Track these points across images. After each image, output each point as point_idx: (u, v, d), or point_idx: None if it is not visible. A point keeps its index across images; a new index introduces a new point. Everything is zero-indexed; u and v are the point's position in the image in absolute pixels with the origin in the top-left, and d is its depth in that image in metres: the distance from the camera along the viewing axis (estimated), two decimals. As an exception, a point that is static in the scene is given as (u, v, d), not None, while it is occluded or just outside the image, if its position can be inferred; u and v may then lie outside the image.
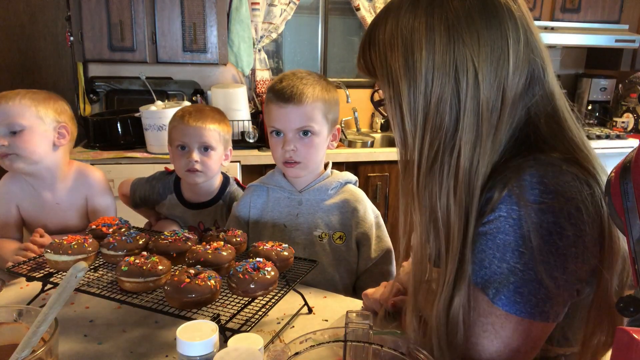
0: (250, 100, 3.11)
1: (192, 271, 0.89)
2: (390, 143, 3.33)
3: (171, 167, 1.53)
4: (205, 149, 1.42)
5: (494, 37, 0.70)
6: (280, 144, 1.25)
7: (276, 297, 0.94)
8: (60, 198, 1.41)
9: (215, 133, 1.43)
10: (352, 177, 1.38)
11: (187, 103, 2.73)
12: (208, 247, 1.00)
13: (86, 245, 1.02)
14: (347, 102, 3.16)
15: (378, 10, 3.32)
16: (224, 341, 0.76)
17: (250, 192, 1.38)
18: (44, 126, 1.34)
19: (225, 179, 1.57)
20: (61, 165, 1.41)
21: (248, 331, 0.83)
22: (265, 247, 1.03)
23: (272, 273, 0.92)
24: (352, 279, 1.34)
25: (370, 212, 1.33)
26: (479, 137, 0.72)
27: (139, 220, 1.61)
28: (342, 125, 3.29)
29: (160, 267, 0.93)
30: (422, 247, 0.79)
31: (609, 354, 0.63)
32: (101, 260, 1.09)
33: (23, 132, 1.30)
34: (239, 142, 2.76)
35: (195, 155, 1.41)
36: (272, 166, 1.40)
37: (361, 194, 1.35)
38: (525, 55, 0.73)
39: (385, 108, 0.82)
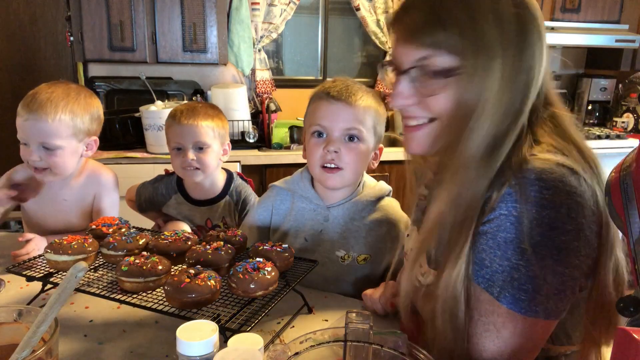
0: (250, 100, 3.11)
1: (192, 271, 0.89)
2: (390, 143, 3.33)
3: (171, 168, 1.54)
4: (200, 147, 1.42)
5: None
6: (321, 144, 1.14)
7: (276, 297, 0.94)
8: (68, 194, 1.41)
9: (208, 130, 1.43)
10: (385, 188, 1.26)
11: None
12: (208, 247, 1.00)
13: (86, 245, 1.02)
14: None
15: (378, 10, 3.34)
16: (224, 341, 0.76)
17: (273, 195, 1.30)
18: (77, 143, 1.34)
19: (229, 175, 1.57)
20: (79, 167, 1.42)
21: (248, 331, 0.83)
22: (265, 247, 1.03)
23: (272, 273, 0.92)
24: (367, 288, 1.29)
25: (404, 231, 1.20)
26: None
27: (140, 220, 1.61)
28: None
29: (160, 267, 0.93)
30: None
31: (609, 351, 0.63)
32: (101, 260, 1.08)
33: (56, 150, 1.30)
34: (239, 142, 2.76)
35: (191, 154, 1.41)
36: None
37: (396, 212, 1.25)
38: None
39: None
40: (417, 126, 0.82)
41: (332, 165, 1.14)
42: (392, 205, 1.26)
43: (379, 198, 1.24)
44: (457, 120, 0.77)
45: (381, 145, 1.23)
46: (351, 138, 1.14)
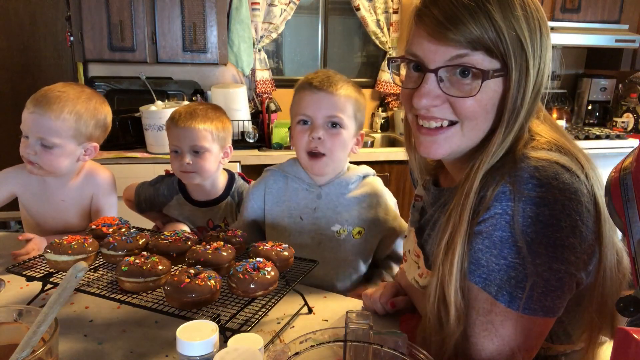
0: (250, 100, 3.11)
1: (192, 271, 0.89)
2: (390, 143, 3.33)
3: (171, 168, 1.53)
4: (197, 150, 1.41)
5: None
6: (306, 131, 1.21)
7: (276, 297, 0.94)
8: (66, 195, 1.41)
9: (206, 133, 1.41)
10: (370, 169, 1.35)
11: (186, 103, 2.73)
12: (208, 247, 1.00)
13: (86, 245, 1.02)
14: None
15: (378, 10, 3.34)
16: (224, 341, 0.76)
17: (267, 177, 1.34)
18: (75, 146, 1.34)
19: (231, 176, 1.57)
20: (77, 169, 1.41)
21: (248, 331, 0.83)
22: (265, 247, 1.03)
23: (272, 273, 0.92)
24: (364, 272, 1.33)
25: (392, 203, 1.32)
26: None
27: (139, 220, 1.61)
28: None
29: (160, 267, 0.93)
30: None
31: (609, 351, 0.63)
32: (101, 260, 1.08)
33: (53, 149, 1.29)
34: (239, 142, 2.76)
35: (187, 158, 1.41)
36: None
37: (381, 186, 1.33)
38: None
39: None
40: (437, 129, 0.78)
41: (317, 151, 1.21)
42: (376, 180, 1.35)
43: (365, 176, 1.33)
44: (484, 124, 0.77)
45: (362, 132, 1.30)
46: (333, 125, 1.21)
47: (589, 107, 3.61)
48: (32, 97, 1.30)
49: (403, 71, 0.84)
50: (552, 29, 3.15)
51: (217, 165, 1.47)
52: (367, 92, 3.45)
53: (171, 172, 1.57)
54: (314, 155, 1.22)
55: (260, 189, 1.34)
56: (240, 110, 2.84)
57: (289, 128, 2.90)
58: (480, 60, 0.72)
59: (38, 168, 1.31)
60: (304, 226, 1.28)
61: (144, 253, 0.99)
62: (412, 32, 0.78)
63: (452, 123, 0.78)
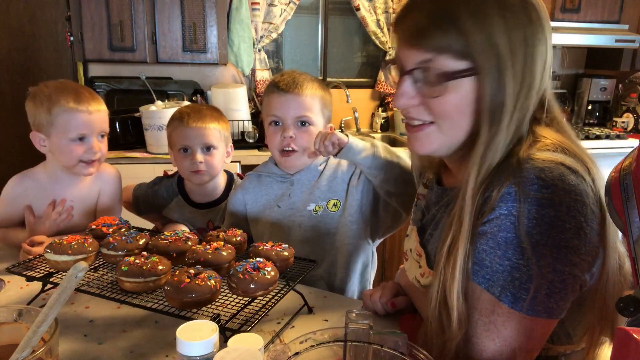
0: (250, 100, 3.11)
1: (192, 271, 0.89)
2: (390, 143, 3.33)
3: (170, 170, 1.53)
4: (208, 148, 1.43)
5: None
6: (278, 132, 1.28)
7: (276, 297, 0.94)
8: (75, 196, 1.40)
9: (215, 132, 1.44)
10: None
11: (187, 103, 2.73)
12: (208, 247, 1.00)
13: (86, 245, 1.02)
14: (347, 102, 3.16)
15: (378, 10, 3.33)
16: (224, 341, 0.76)
17: (243, 181, 1.43)
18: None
19: (230, 177, 1.58)
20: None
21: (248, 331, 0.83)
22: (265, 247, 1.03)
23: (272, 273, 0.92)
24: (357, 248, 1.33)
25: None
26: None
27: (140, 220, 1.61)
28: (342, 125, 3.29)
29: (160, 267, 0.93)
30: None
31: (609, 351, 0.63)
32: (101, 260, 1.08)
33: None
34: (239, 142, 2.76)
35: (199, 156, 1.42)
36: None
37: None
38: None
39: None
40: (418, 126, 0.82)
41: (289, 149, 1.28)
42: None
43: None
44: (462, 122, 0.77)
45: (331, 125, 1.36)
46: (303, 123, 1.28)
47: (589, 107, 3.61)
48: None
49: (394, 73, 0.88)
50: (552, 29, 3.15)
51: (222, 164, 1.49)
52: (367, 92, 3.44)
53: (170, 173, 1.57)
54: (286, 151, 1.29)
55: (239, 193, 1.40)
56: (240, 110, 2.84)
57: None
58: (447, 62, 0.74)
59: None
60: (282, 213, 1.33)
61: (144, 253, 0.99)
62: None
63: (431, 122, 0.80)
